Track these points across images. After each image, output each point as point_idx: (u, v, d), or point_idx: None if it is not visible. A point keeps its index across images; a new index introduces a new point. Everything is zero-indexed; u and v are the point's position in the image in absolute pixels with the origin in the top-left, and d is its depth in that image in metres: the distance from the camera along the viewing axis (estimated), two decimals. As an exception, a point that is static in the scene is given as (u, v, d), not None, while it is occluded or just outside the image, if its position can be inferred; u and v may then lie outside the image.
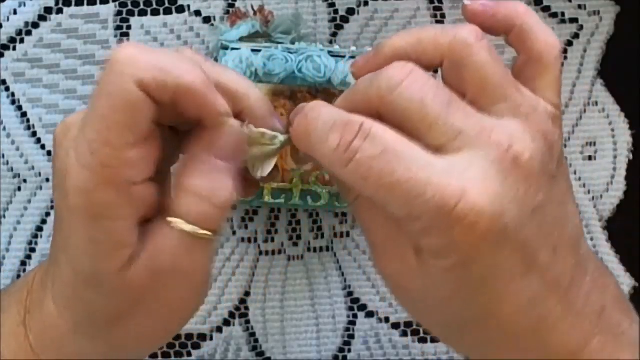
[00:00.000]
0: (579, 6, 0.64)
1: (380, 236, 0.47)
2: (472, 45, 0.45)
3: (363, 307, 0.65)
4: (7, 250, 0.64)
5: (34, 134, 0.63)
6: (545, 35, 0.47)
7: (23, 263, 0.64)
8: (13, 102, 0.63)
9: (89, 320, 0.46)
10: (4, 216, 0.64)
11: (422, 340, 0.65)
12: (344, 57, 0.59)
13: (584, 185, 0.65)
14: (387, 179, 0.42)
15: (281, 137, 0.48)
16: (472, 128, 0.43)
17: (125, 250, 0.44)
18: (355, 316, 0.65)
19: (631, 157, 0.65)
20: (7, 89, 0.63)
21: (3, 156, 0.64)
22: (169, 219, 0.45)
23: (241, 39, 0.60)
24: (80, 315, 0.46)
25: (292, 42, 0.60)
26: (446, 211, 0.42)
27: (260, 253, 0.64)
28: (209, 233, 0.45)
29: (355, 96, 0.46)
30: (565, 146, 0.64)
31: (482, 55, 0.45)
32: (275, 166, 0.49)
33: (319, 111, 0.45)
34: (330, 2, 0.63)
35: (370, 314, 0.65)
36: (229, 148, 0.46)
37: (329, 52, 0.59)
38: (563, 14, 0.64)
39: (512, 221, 0.43)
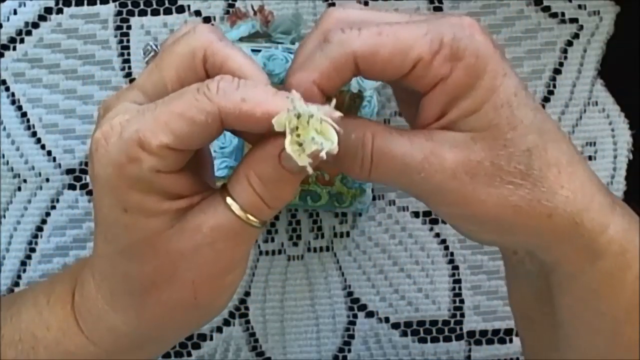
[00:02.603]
0: (579, 6, 0.64)
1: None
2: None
3: (363, 307, 0.65)
4: (7, 250, 0.64)
5: (34, 134, 0.63)
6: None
7: (23, 263, 0.64)
8: (13, 102, 0.63)
9: (124, 290, 0.46)
10: (4, 216, 0.64)
11: (422, 340, 0.65)
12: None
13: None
14: None
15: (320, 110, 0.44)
16: None
17: (158, 219, 0.44)
18: (355, 316, 0.65)
19: (631, 157, 0.65)
20: (7, 89, 0.63)
21: (3, 156, 0.64)
22: (227, 198, 0.45)
23: (241, 39, 0.60)
24: (117, 285, 0.46)
25: (292, 42, 0.60)
26: None
27: (260, 253, 0.64)
28: (257, 221, 0.45)
29: None
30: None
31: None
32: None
33: None
34: (330, 2, 0.63)
35: (370, 314, 0.65)
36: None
37: (329, 52, 0.59)
38: (563, 14, 0.64)
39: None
